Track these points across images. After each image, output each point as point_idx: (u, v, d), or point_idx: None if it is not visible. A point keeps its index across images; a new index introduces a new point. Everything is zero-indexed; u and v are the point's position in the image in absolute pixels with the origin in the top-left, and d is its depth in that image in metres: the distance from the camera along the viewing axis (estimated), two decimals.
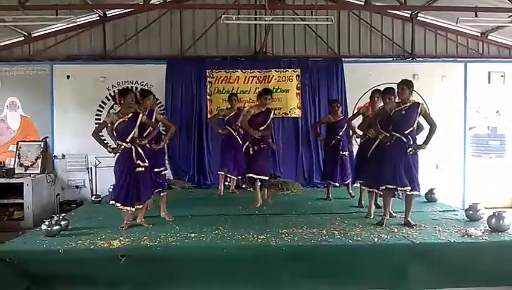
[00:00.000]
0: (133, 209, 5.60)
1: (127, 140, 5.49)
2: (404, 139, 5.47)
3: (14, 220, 8.09)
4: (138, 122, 5.58)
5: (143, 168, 5.56)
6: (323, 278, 4.61)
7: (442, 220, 5.83)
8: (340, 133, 7.50)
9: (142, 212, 5.75)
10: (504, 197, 9.49)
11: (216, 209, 6.59)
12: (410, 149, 5.44)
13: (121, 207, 5.54)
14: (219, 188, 8.17)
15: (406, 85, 5.53)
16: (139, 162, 5.52)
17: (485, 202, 6.31)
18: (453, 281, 4.66)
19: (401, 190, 5.52)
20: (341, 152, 7.47)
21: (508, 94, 9.51)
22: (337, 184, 7.54)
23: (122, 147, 5.49)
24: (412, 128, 5.51)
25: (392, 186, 5.51)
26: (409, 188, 5.44)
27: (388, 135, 5.57)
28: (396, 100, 5.70)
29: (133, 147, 5.51)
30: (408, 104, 5.52)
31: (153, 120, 6.05)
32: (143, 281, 4.56)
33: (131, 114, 5.55)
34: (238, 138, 7.97)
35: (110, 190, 7.35)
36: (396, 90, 5.67)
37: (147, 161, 5.63)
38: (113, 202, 5.59)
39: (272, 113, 7.16)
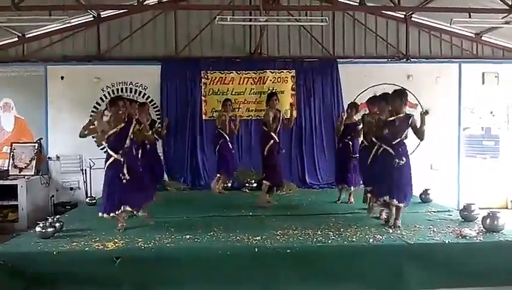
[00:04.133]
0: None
1: (120, 152, 5.45)
2: (391, 150, 5.44)
3: (9, 222, 8.06)
4: (130, 132, 5.56)
5: (126, 180, 5.44)
6: (319, 278, 4.60)
7: (437, 221, 5.85)
8: (349, 137, 7.22)
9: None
10: (498, 197, 9.52)
11: (211, 211, 6.58)
12: (397, 162, 5.40)
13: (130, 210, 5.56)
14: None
15: (399, 96, 5.48)
16: (124, 173, 5.44)
17: (479, 203, 6.31)
18: (448, 281, 4.67)
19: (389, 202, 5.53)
20: (352, 155, 7.18)
21: (501, 95, 9.56)
22: (352, 188, 7.29)
23: (112, 158, 5.46)
24: (399, 139, 5.46)
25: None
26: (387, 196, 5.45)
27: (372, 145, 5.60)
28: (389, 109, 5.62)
29: (122, 159, 5.45)
30: (401, 115, 5.42)
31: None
32: (138, 283, 4.53)
33: (123, 124, 5.51)
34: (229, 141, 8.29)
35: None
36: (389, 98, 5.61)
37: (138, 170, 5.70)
38: (116, 213, 5.49)
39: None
